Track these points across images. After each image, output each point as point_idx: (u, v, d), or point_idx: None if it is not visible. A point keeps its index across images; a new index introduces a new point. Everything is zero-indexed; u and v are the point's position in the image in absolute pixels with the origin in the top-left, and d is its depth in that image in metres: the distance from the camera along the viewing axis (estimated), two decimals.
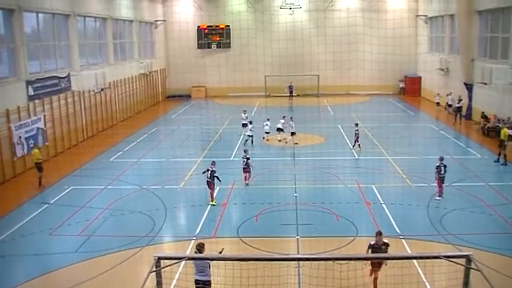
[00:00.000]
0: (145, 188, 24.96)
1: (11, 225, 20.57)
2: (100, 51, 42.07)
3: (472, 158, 29.79)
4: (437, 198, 22.38)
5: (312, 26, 56.92)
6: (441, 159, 22.49)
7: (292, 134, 33.42)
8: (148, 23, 54.84)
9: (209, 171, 22.44)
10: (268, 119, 35.38)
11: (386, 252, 14.41)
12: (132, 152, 32.77)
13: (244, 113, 37.19)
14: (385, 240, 14.72)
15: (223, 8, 57.55)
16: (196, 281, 13.39)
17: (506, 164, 27.69)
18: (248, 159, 25.03)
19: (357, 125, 32.03)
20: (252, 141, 33.50)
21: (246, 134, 34.23)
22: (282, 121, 34.59)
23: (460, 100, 39.79)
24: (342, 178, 25.75)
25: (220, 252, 14.05)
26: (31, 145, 28.55)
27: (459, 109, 39.65)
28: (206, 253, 14.23)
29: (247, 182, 25.17)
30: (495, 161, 28.34)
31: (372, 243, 14.56)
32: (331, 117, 43.02)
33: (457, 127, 38.06)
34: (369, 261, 14.46)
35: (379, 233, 14.68)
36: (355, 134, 31.46)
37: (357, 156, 30.15)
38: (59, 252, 18.00)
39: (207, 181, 22.51)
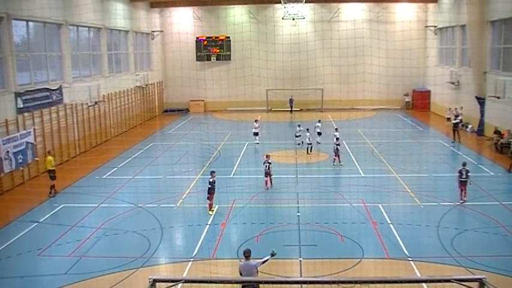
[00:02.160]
0: (140, 206, 24.89)
1: None
2: (94, 63, 42.18)
3: (485, 175, 29.70)
4: (460, 201, 24.26)
5: (316, 37, 57.15)
6: (464, 164, 24.66)
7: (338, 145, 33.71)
8: (145, 34, 55.11)
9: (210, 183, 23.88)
10: (307, 129, 36.12)
11: None
12: (127, 168, 32.73)
13: (256, 122, 39.70)
14: None
15: (224, 18, 57.80)
16: (244, 286, 14.15)
17: None
18: (270, 163, 27.24)
19: (337, 139, 32.45)
20: (311, 149, 35.15)
21: (256, 142, 38.73)
22: (319, 124, 38.67)
23: (456, 116, 39.30)
24: (347, 197, 25.65)
25: (273, 254, 14.90)
26: (19, 160, 28.57)
27: (456, 125, 39.01)
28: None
29: (267, 186, 27.31)
30: (508, 170, 30.00)
31: None
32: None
33: (463, 143, 37.85)
34: None
35: None
36: (336, 148, 31.91)
37: (362, 174, 30.07)
38: (47, 274, 17.87)
39: (208, 190, 23.83)
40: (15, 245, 20.50)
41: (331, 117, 51.86)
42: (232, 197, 25.41)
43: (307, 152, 35.28)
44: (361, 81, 53.55)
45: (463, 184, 24.31)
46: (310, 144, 35.40)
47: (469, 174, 24.31)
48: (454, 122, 39.25)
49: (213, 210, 23.82)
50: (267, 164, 27.27)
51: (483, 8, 39.99)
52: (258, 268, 14.66)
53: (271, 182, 27.57)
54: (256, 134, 39.36)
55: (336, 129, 35.00)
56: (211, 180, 23.85)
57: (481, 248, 19.34)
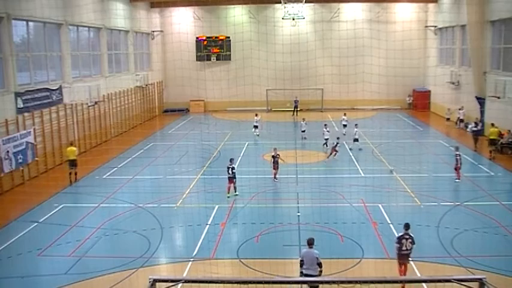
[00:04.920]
0: (140, 206, 24.89)
1: None
2: (94, 63, 42.19)
3: (485, 175, 29.74)
4: (457, 180, 27.84)
5: (317, 38, 57.19)
6: (456, 149, 28.44)
7: (355, 140, 36.37)
8: (145, 34, 55.12)
9: (229, 169, 25.91)
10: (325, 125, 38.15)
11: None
12: (127, 168, 32.74)
13: (257, 116, 42.97)
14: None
15: (224, 18, 57.75)
16: (305, 275, 15.04)
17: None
18: (274, 157, 28.78)
19: (338, 138, 34.54)
20: (327, 144, 36.26)
21: (257, 134, 42.04)
22: (345, 117, 42.45)
23: (477, 123, 37.15)
24: (347, 197, 25.65)
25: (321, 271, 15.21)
26: (19, 160, 28.59)
27: (477, 133, 36.78)
28: None
29: (276, 178, 28.85)
30: (489, 159, 32.97)
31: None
32: (336, 133, 42.91)
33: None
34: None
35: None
36: (332, 145, 33.71)
37: (362, 174, 30.08)
38: (47, 274, 17.88)
39: (228, 177, 25.89)
40: (15, 245, 20.49)
41: (331, 117, 51.85)
42: (232, 197, 25.48)
43: (323, 146, 36.86)
44: (361, 81, 53.56)
45: (458, 167, 27.89)
46: (327, 139, 36.73)
47: (461, 157, 28.02)
48: (474, 129, 37.04)
49: (233, 194, 25.87)
50: (275, 157, 28.85)
51: (483, 8, 40.02)
52: (320, 260, 15.19)
53: (276, 174, 28.93)
54: (256, 126, 42.31)
55: (356, 125, 37.31)
56: (230, 165, 26.00)
57: (481, 248, 19.32)
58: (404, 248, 16.19)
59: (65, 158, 34.21)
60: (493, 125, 34.62)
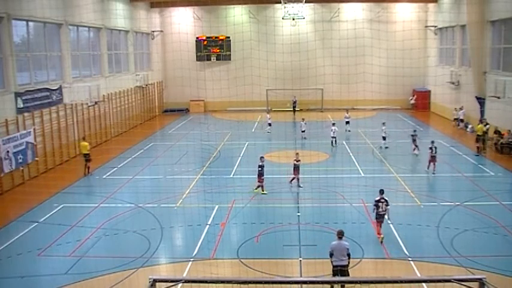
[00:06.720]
0: (140, 206, 24.89)
1: None
2: (94, 63, 42.18)
3: (485, 175, 29.72)
4: (432, 173, 29.59)
5: (317, 37, 57.18)
6: (432, 142, 29.93)
7: (384, 138, 37.13)
8: (145, 34, 55.12)
9: (259, 166, 26.48)
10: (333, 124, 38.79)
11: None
12: (127, 168, 32.74)
13: (268, 113, 46.02)
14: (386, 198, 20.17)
15: (224, 18, 57.74)
16: (336, 266, 15.60)
17: (483, 155, 34.13)
18: (296, 162, 27.89)
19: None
20: (336, 142, 37.94)
21: (268, 131, 43.76)
22: (347, 115, 43.79)
23: (484, 124, 36.25)
24: (347, 197, 25.67)
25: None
26: (19, 160, 28.60)
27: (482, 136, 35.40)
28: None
29: (299, 184, 27.66)
30: (475, 155, 34.17)
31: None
32: (336, 133, 42.89)
33: (463, 143, 37.07)
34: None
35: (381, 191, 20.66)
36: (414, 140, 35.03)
37: (362, 174, 30.07)
38: (47, 274, 17.87)
39: (259, 172, 26.41)
40: (15, 245, 20.50)
41: (331, 117, 51.83)
42: (232, 197, 25.48)
43: (332, 144, 37.73)
44: (362, 81, 53.49)
45: (433, 159, 29.62)
46: (334, 137, 37.78)
47: (436, 149, 29.85)
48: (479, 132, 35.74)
49: (264, 193, 26.38)
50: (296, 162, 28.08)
51: (483, 8, 40.02)
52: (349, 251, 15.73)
53: (298, 180, 27.62)
54: (269, 124, 44.09)
55: (384, 123, 38.01)
56: (260, 164, 26.41)
57: (481, 248, 19.32)
58: (380, 210, 20.09)
59: (65, 157, 34.51)
60: (481, 122, 36.28)
